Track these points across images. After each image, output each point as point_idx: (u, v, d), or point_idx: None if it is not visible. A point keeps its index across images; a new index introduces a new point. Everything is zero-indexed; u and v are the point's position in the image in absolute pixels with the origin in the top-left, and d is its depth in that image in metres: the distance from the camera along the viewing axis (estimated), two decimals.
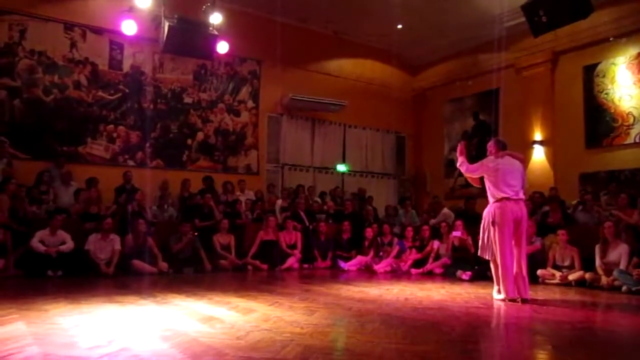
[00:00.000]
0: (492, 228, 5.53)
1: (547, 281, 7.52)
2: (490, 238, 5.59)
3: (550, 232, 8.23)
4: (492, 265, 5.77)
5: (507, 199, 5.46)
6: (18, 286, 6.40)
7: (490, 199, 5.62)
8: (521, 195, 5.59)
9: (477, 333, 4.05)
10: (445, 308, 5.17)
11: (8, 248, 7.24)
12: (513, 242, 5.54)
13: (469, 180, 6.05)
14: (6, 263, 7.09)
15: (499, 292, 5.66)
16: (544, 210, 9.08)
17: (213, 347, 3.17)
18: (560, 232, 7.78)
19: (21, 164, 8.96)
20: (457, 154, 5.93)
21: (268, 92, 12.15)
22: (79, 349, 3.08)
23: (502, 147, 5.79)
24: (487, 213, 5.68)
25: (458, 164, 5.89)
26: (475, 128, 13.00)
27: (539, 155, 11.20)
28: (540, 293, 6.45)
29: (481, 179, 5.84)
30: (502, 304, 5.46)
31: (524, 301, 5.44)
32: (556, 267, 7.64)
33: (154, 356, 2.96)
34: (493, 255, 5.62)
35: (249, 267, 9.03)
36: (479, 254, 5.93)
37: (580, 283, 7.21)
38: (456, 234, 8.60)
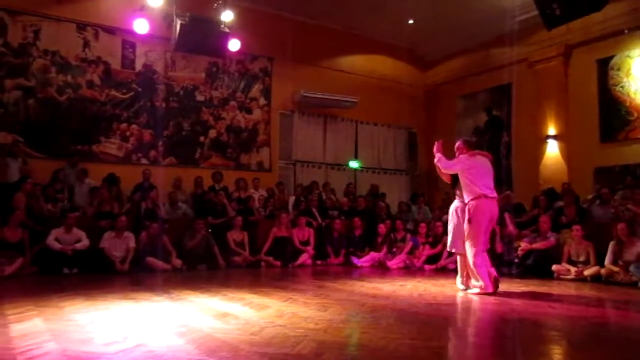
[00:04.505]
0: (467, 225, 5.64)
1: (562, 277, 7.45)
2: (462, 233, 5.76)
3: (565, 228, 8.16)
4: (459, 259, 6.06)
5: (485, 196, 5.59)
6: (35, 284, 6.47)
7: (467, 196, 5.71)
8: (495, 194, 5.75)
9: (492, 328, 4.04)
10: (459, 304, 5.15)
11: (25, 246, 7.32)
12: (486, 237, 5.75)
13: (441, 175, 6.23)
14: (23, 261, 7.16)
15: (466, 285, 5.91)
16: (558, 206, 9.01)
17: (228, 343, 3.19)
18: (575, 227, 7.71)
19: (36, 162, 9.07)
20: (434, 151, 6.07)
21: (279, 89, 12.16)
22: (95, 345, 3.11)
23: (471, 147, 5.98)
24: (458, 209, 5.93)
25: (436, 161, 6.01)
26: (488, 123, 12.90)
27: (552, 150, 11.09)
28: (555, 288, 6.40)
29: (453, 176, 6.01)
30: (477, 297, 5.48)
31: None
32: (571, 263, 7.58)
33: (170, 352, 2.98)
34: (461, 249, 5.83)
35: (263, 263, 9.06)
36: (448, 248, 6.37)
37: (595, 278, 7.14)
38: None
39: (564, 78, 11.13)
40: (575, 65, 11.01)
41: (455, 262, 8.64)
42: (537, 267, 7.68)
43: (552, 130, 11.11)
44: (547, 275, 7.54)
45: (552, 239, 7.92)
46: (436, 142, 6.11)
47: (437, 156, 5.96)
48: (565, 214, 8.52)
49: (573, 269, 7.41)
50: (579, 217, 8.38)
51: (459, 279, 6.13)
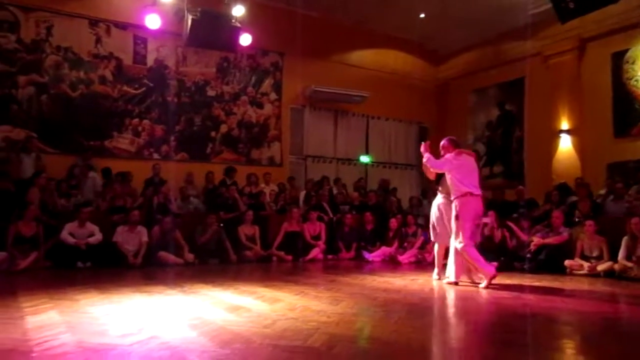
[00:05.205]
0: (454, 222, 5.89)
1: (575, 272, 7.41)
2: (444, 227, 6.23)
3: (578, 223, 8.11)
4: (437, 250, 6.53)
5: (471, 194, 5.82)
6: (49, 277, 6.55)
7: (453, 194, 5.93)
8: (480, 192, 5.95)
9: (504, 323, 4.02)
10: (471, 298, 5.14)
11: (40, 241, 7.40)
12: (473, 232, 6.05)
13: (426, 173, 6.51)
14: (37, 255, 7.24)
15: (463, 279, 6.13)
16: (571, 201, 8.94)
17: (241, 335, 3.21)
18: (587, 222, 7.66)
19: (49, 158, 9.14)
20: (422, 151, 6.23)
21: (290, 84, 12.16)
22: (110, 337, 3.15)
23: (456, 146, 6.17)
24: (441, 205, 6.31)
25: (424, 160, 6.18)
26: (500, 118, 12.82)
27: (565, 145, 11.00)
28: (568, 284, 6.37)
29: (437, 173, 6.33)
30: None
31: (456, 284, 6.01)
32: (584, 258, 7.53)
33: (184, 344, 3.01)
34: (442, 240, 6.35)
35: (274, 258, 9.09)
36: (432, 239, 6.73)
37: (609, 274, 7.08)
38: (486, 219, 8.51)
39: (577, 72, 11.02)
40: (589, 58, 10.89)
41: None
42: (550, 262, 7.63)
43: (565, 124, 11.02)
44: (559, 270, 7.49)
45: (564, 234, 7.87)
46: (423, 143, 6.32)
47: (426, 156, 6.14)
48: (579, 208, 8.45)
49: (586, 264, 7.36)
50: (592, 212, 8.32)
51: (435, 270, 6.54)
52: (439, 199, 6.45)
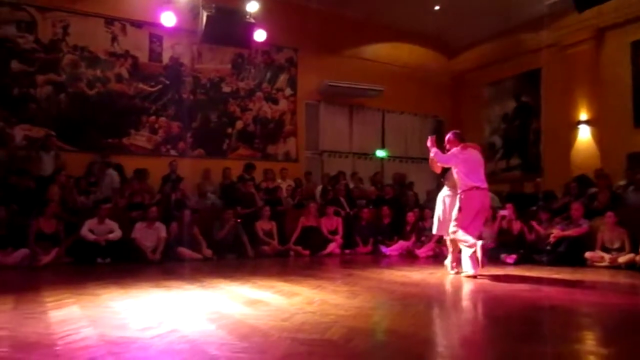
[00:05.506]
0: (457, 213, 5.98)
1: (595, 264, 7.32)
2: (449, 220, 6.19)
3: (598, 215, 8.00)
4: (449, 243, 6.44)
5: (477, 188, 5.92)
6: (70, 273, 6.63)
7: (459, 188, 6.03)
8: (486, 185, 6.05)
9: (523, 315, 3.99)
10: (489, 291, 5.11)
11: (60, 237, 7.51)
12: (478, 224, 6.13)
13: (432, 167, 6.54)
14: (58, 251, 7.36)
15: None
16: (591, 192, 8.83)
17: (259, 329, 3.23)
18: (608, 213, 7.56)
19: (68, 156, 9.25)
20: (429, 145, 6.29)
21: (305, 80, 12.16)
22: (131, 330, 3.19)
23: (462, 140, 6.22)
24: (446, 197, 6.43)
25: (432, 155, 6.25)
26: (517, 110, 12.68)
27: (584, 136, 10.84)
28: (588, 276, 6.31)
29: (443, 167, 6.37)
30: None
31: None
32: (605, 250, 7.44)
33: (203, 337, 3.03)
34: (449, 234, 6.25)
35: (291, 252, 9.12)
36: (434, 232, 6.81)
37: (630, 266, 6.98)
38: (503, 212, 8.47)
39: (595, 61, 10.84)
40: (608, 48, 10.71)
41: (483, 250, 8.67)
42: (570, 254, 7.55)
43: (583, 115, 10.85)
44: (579, 262, 7.42)
45: (584, 226, 7.78)
46: (429, 137, 6.36)
47: (433, 151, 6.21)
48: (598, 199, 8.35)
49: (607, 256, 7.27)
50: (612, 203, 8.21)
51: (448, 262, 6.53)
52: (444, 192, 6.55)
